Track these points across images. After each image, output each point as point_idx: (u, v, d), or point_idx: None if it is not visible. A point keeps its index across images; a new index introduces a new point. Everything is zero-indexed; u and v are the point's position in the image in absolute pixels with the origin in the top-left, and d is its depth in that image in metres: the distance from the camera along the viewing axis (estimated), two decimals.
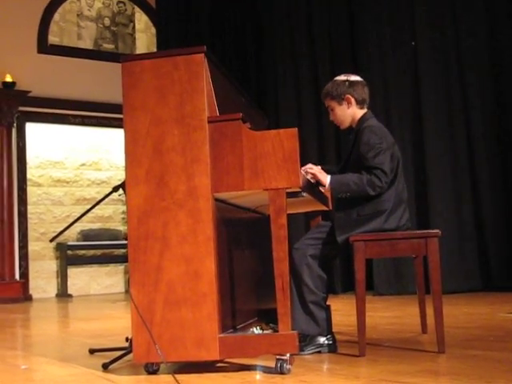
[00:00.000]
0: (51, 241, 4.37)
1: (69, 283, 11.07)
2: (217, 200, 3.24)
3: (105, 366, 3.48)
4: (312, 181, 3.59)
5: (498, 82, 7.19)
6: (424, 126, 7.40)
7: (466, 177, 7.25)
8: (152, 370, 3.25)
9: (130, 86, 3.28)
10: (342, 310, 5.70)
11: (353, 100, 3.80)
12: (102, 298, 10.20)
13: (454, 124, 7.32)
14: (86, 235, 11.34)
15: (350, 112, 3.83)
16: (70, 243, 11.13)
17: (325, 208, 4.34)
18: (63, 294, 10.96)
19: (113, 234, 11.47)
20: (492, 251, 7.03)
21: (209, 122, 3.17)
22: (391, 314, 5.60)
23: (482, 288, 7.00)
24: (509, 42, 7.09)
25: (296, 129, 3.16)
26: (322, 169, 3.69)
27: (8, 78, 10.11)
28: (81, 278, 11.34)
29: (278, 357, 3.07)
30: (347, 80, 3.82)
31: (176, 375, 3.00)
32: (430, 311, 3.57)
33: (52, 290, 11.13)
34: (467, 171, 7.25)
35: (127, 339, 3.66)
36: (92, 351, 4.06)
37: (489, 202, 7.11)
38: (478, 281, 7.06)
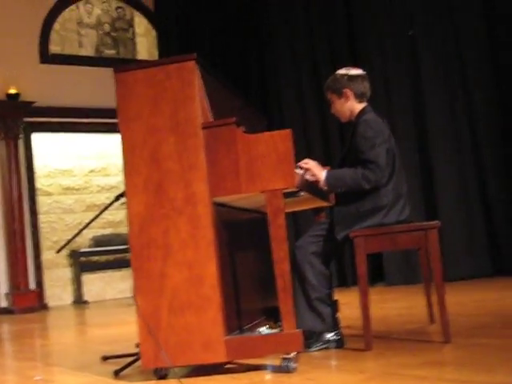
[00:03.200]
0: (58, 252, 4.41)
1: (84, 289, 11.15)
2: (216, 204, 3.28)
3: (116, 373, 3.54)
4: (311, 179, 3.62)
5: (497, 59, 7.15)
6: (426, 115, 7.40)
7: (471, 163, 7.23)
8: (161, 374, 3.30)
9: (124, 97, 3.33)
10: (353, 303, 5.69)
11: (351, 94, 3.81)
12: (117, 303, 10.27)
13: (455, 111, 7.31)
14: (97, 241, 11.41)
15: (348, 106, 3.85)
16: (83, 250, 11.20)
17: (327, 204, 4.37)
18: (79, 301, 11.04)
19: (124, 239, 11.46)
20: (501, 235, 7.02)
21: (203, 128, 3.21)
22: (401, 305, 5.63)
23: (493, 273, 6.99)
24: (506, 13, 7.05)
25: (289, 130, 3.20)
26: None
27: (12, 90, 10.17)
28: (96, 284, 11.42)
29: (283, 356, 3.11)
30: (347, 74, 3.84)
31: (185, 379, 3.06)
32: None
33: (68, 297, 11.21)
34: (471, 156, 7.23)
35: (137, 345, 3.70)
36: (105, 358, 4.12)
37: (495, 186, 7.09)
38: (488, 266, 7.05)
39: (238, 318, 3.51)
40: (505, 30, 7.02)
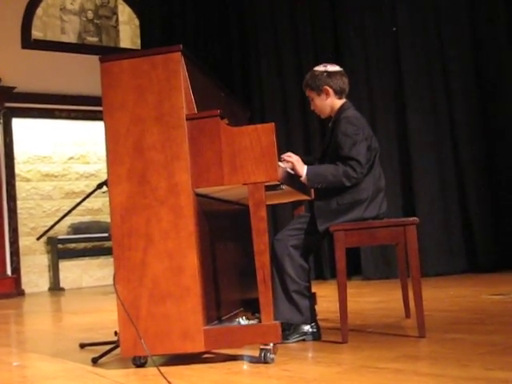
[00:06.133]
0: (38, 239, 4.41)
1: (61, 277, 11.14)
2: (198, 195, 3.31)
3: (94, 361, 3.55)
4: (291, 172, 3.65)
5: (479, 62, 7.23)
6: (408, 113, 7.45)
7: (451, 160, 7.31)
8: (140, 363, 3.32)
9: (109, 86, 3.34)
10: (330, 296, 5.75)
11: (331, 91, 3.85)
12: (94, 291, 10.27)
13: (437, 110, 7.37)
14: (76, 228, 11.40)
15: (328, 102, 3.88)
16: (61, 237, 11.19)
17: (307, 197, 4.41)
18: (55, 288, 11.03)
19: (103, 227, 11.51)
20: (477, 233, 7.10)
21: (187, 119, 3.23)
22: (377, 299, 5.69)
23: (469, 269, 7.08)
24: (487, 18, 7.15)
25: (273, 124, 3.22)
26: (301, 159, 3.74)
27: None
28: (72, 271, 11.41)
29: (261, 346, 3.15)
30: (325, 71, 3.86)
31: (163, 367, 3.08)
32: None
33: (44, 284, 11.20)
34: (451, 154, 7.31)
35: (116, 333, 3.72)
36: (82, 346, 4.14)
37: (472, 185, 7.17)
38: (464, 262, 7.14)
39: (217, 308, 3.53)
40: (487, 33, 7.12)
